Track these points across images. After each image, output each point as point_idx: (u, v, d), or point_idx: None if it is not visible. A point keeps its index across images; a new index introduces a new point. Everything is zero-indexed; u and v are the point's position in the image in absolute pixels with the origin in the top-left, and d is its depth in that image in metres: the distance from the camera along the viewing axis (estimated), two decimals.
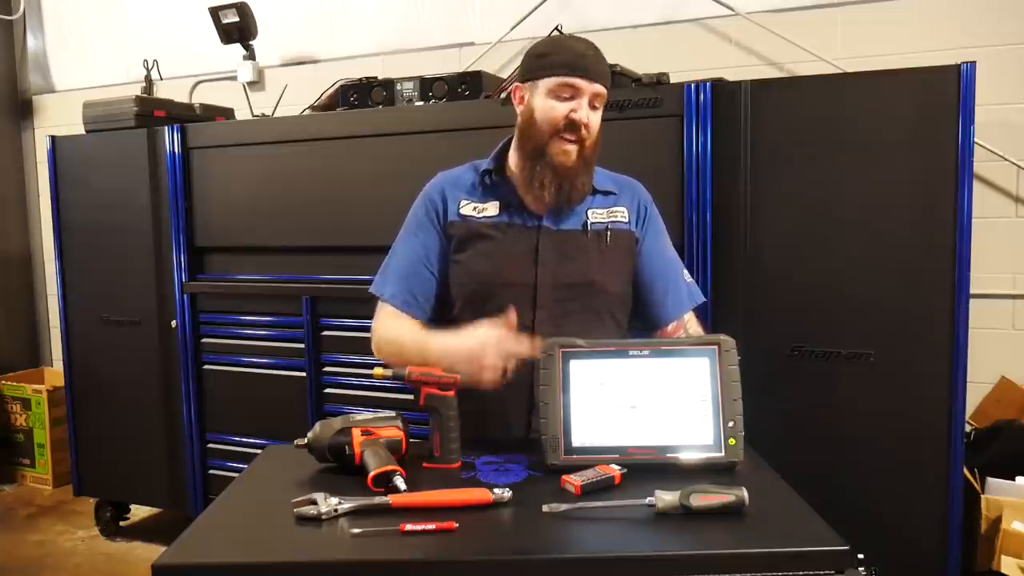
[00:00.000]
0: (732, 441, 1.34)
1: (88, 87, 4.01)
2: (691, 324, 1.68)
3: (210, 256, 2.93)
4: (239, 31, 3.31)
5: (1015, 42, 2.56)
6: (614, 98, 1.64)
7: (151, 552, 3.04)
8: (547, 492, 1.23)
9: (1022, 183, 2.61)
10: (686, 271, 1.72)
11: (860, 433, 2.11)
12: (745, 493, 1.15)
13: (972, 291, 2.03)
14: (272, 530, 1.16)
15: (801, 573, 1.04)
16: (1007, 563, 2.11)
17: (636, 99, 2.22)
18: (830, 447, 2.13)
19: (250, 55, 3.53)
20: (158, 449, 3.02)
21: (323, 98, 2.80)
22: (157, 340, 2.97)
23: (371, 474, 1.27)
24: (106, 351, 3.09)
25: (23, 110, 4.34)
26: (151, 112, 2.97)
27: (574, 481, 1.25)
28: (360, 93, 2.67)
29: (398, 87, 2.62)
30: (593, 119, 1.55)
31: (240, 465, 2.76)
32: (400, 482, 1.25)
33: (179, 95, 3.53)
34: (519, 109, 1.60)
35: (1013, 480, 2.29)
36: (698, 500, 1.15)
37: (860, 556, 1.07)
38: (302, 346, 2.73)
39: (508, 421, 1.58)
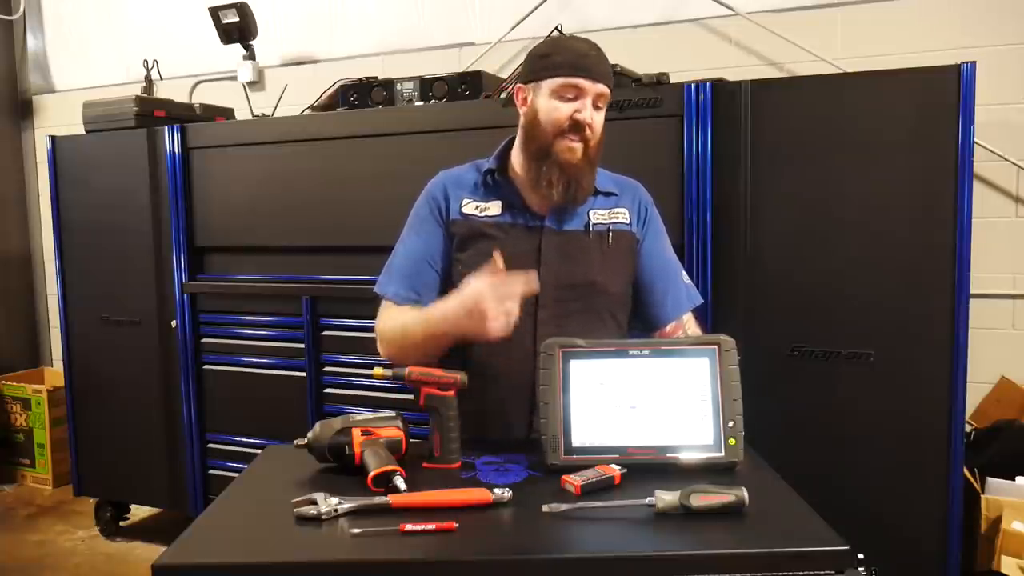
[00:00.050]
0: (732, 441, 1.34)
1: (88, 87, 4.01)
2: (690, 325, 1.69)
3: (210, 256, 2.93)
4: (239, 31, 3.31)
5: (1015, 42, 2.56)
6: (614, 98, 1.64)
7: (151, 552, 3.04)
8: (547, 492, 1.23)
9: (1022, 183, 2.61)
10: (685, 273, 1.73)
11: (860, 433, 2.11)
12: (745, 493, 1.15)
13: (972, 291, 2.03)
14: (272, 530, 1.16)
15: (801, 573, 1.04)
16: (1007, 563, 2.11)
17: (636, 99, 2.22)
18: (830, 447, 2.13)
19: (250, 55, 3.53)
20: (158, 449, 3.02)
21: (323, 98, 2.80)
22: (157, 340, 2.97)
23: (371, 474, 1.27)
24: (106, 351, 3.09)
25: (23, 110, 4.34)
26: (151, 112, 2.97)
27: (574, 481, 1.25)
28: (360, 93, 2.67)
29: (398, 87, 2.62)
30: (597, 119, 1.55)
31: (240, 465, 2.76)
32: (400, 482, 1.25)
33: (179, 95, 3.53)
34: (522, 110, 1.60)
35: (1013, 480, 2.29)
36: (698, 500, 1.14)
37: (860, 556, 1.07)
38: (302, 346, 2.73)
39: (508, 421, 1.58)
